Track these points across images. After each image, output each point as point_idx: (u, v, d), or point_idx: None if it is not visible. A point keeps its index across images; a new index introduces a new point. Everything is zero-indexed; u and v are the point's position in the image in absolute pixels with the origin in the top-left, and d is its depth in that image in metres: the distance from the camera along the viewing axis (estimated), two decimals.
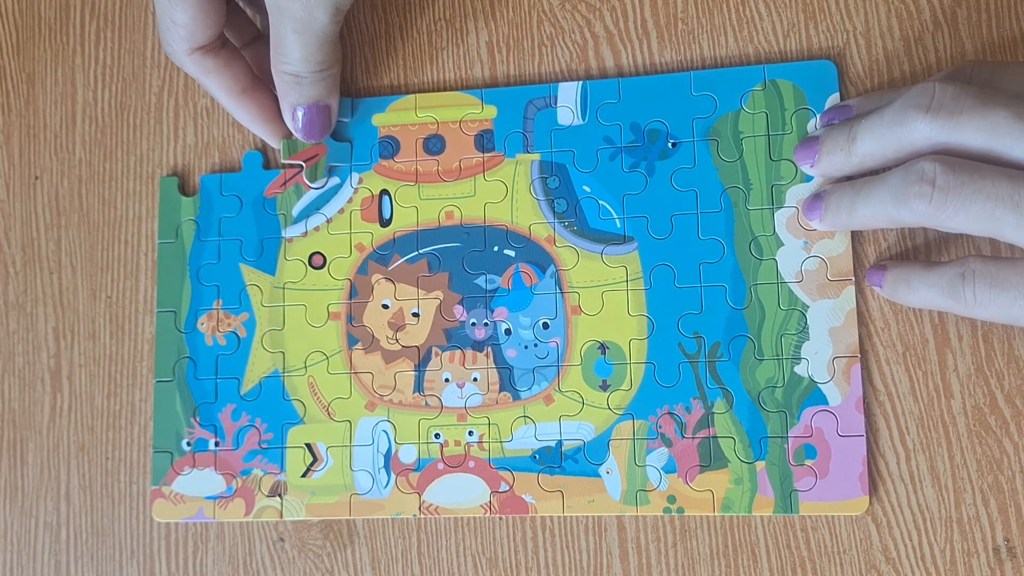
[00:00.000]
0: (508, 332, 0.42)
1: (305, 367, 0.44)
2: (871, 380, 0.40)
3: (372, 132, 0.45)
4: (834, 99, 0.41)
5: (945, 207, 0.34)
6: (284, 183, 0.45)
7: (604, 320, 0.42)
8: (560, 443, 0.41)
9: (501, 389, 0.42)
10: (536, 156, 0.44)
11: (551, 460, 0.41)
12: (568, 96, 0.44)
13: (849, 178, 0.40)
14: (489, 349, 0.43)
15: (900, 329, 0.40)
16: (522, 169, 0.44)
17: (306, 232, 0.45)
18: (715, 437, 0.40)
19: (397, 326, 0.43)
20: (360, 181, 0.45)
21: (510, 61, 0.45)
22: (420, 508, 0.42)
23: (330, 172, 0.45)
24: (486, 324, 0.43)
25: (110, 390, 0.46)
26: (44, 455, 0.46)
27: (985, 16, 0.42)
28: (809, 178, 0.41)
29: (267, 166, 0.46)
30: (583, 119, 0.43)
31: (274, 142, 0.45)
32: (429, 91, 0.46)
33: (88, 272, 0.47)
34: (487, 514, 0.41)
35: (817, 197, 0.40)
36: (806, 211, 0.40)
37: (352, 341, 0.44)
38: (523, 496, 0.41)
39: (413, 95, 0.45)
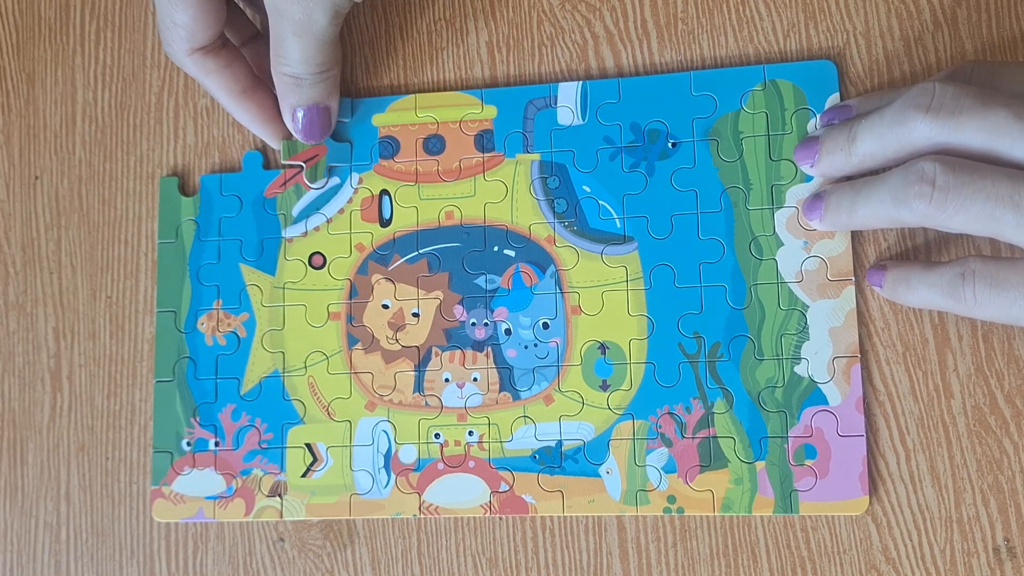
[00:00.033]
0: (508, 332, 0.42)
1: (305, 367, 0.44)
2: (871, 380, 0.40)
3: (372, 132, 0.45)
4: (834, 99, 0.41)
5: (945, 207, 0.34)
6: (284, 183, 0.45)
7: (604, 320, 0.42)
8: (560, 443, 0.41)
9: (501, 389, 0.42)
10: (536, 156, 0.44)
11: (551, 460, 0.41)
12: (568, 96, 0.44)
13: (849, 178, 0.40)
14: (489, 349, 0.42)
15: (900, 329, 0.40)
16: (522, 169, 0.44)
17: (306, 232, 0.45)
18: (715, 437, 0.40)
19: (397, 326, 0.43)
20: (360, 181, 0.45)
21: (510, 61, 0.45)
22: (420, 508, 0.42)
23: (330, 172, 0.45)
24: (486, 324, 0.43)
25: (110, 390, 0.46)
26: (44, 455, 0.46)
27: (985, 16, 0.42)
28: (809, 178, 0.41)
29: (267, 166, 0.46)
30: (583, 119, 0.43)
31: (274, 143, 0.45)
32: (429, 91, 0.46)
33: (88, 272, 0.47)
34: (487, 514, 0.41)
35: (817, 197, 0.40)
36: (806, 211, 0.40)
37: (352, 341, 0.44)
38: (523, 496, 0.41)
39: (413, 95, 0.45)
